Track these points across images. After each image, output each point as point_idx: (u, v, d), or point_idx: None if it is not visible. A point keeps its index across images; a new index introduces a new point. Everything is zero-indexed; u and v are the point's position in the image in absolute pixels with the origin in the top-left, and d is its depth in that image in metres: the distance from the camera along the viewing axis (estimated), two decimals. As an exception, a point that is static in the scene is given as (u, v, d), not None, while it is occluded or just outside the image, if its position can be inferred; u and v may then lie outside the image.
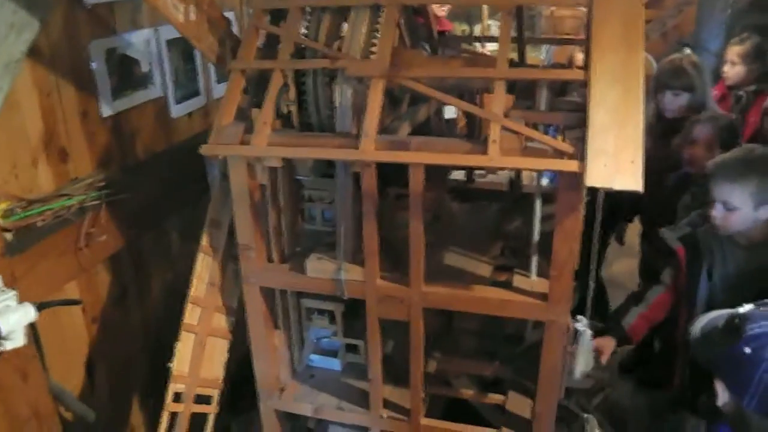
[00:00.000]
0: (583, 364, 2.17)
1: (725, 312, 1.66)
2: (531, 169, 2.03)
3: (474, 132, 2.91)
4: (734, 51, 4.13)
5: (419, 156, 1.90)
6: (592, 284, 2.05)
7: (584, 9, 1.98)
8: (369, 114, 1.95)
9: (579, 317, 2.10)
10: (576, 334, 2.10)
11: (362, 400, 2.43)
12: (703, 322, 1.72)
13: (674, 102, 3.41)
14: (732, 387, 1.60)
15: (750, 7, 7.39)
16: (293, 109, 2.18)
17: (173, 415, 2.41)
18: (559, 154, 1.79)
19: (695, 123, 3.07)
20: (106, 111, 2.65)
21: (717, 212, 2.39)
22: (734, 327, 1.58)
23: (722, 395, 1.64)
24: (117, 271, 2.78)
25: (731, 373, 1.60)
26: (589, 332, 2.12)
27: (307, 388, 2.56)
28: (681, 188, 3.12)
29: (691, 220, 2.63)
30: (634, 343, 2.91)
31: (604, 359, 2.54)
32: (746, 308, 1.62)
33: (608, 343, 2.63)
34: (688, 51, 3.78)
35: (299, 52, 2.21)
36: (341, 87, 2.07)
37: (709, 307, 2.36)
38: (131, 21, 2.76)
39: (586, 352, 2.16)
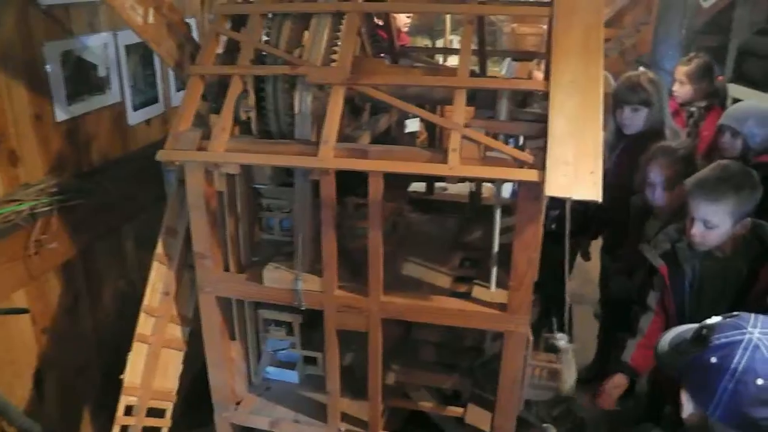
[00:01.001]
0: (569, 379, 2.17)
1: (694, 326, 1.67)
2: (491, 179, 2.03)
3: (435, 145, 2.90)
4: (682, 71, 4.25)
5: (378, 164, 1.88)
6: (568, 299, 2.06)
7: (545, 27, 1.99)
8: (329, 121, 1.93)
9: (560, 335, 2.10)
10: (560, 351, 2.10)
11: (320, 413, 2.39)
12: (671, 335, 1.72)
13: (633, 118, 3.45)
14: (697, 397, 1.60)
15: (705, 29, 7.59)
16: (252, 115, 2.15)
17: (125, 429, 2.34)
18: (520, 163, 1.79)
19: (650, 162, 3.03)
20: (61, 115, 2.59)
21: (696, 230, 2.43)
22: (701, 337, 1.58)
23: (687, 406, 1.64)
24: (68, 280, 2.70)
25: (697, 383, 1.60)
26: (571, 348, 2.12)
27: (263, 400, 2.52)
28: (645, 214, 3.16)
29: (669, 235, 2.66)
30: (642, 374, 2.90)
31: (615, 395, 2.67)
32: (714, 320, 1.63)
33: (619, 380, 2.70)
34: (643, 69, 3.85)
35: (260, 59, 2.18)
36: (301, 94, 2.05)
37: (692, 320, 2.42)
38: (88, 24, 2.71)
39: (571, 367, 2.15)
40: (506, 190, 2.74)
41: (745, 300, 2.37)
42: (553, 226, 3.54)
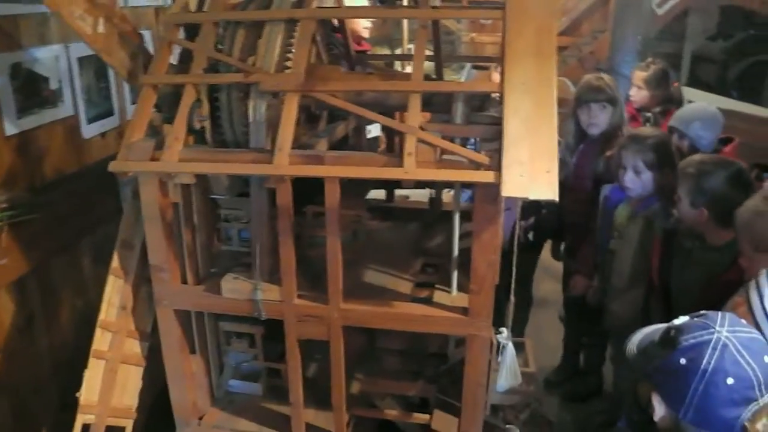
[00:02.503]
0: (507, 378, 2.16)
1: (662, 326, 1.67)
2: (447, 181, 2.03)
3: (393, 151, 2.89)
4: (639, 77, 4.31)
5: (334, 170, 1.87)
6: (512, 298, 2.05)
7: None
8: (283, 128, 1.91)
9: (501, 329, 2.09)
10: (499, 347, 2.09)
11: (284, 424, 2.34)
12: (639, 337, 1.71)
13: (600, 116, 3.47)
14: (668, 399, 1.59)
15: (660, 36, 7.75)
16: (206, 125, 2.12)
17: (82, 449, 2.27)
18: (476, 165, 1.78)
19: (622, 149, 3.09)
20: (11, 129, 2.53)
21: (676, 197, 2.68)
22: (669, 339, 1.57)
23: (658, 409, 1.62)
24: (22, 298, 2.62)
25: (667, 386, 1.59)
26: (511, 345, 2.11)
27: (226, 414, 2.47)
28: (616, 202, 3.22)
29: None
30: None
31: None
32: (681, 320, 1.62)
33: None
34: (602, 74, 3.90)
35: (214, 68, 2.16)
36: (255, 102, 2.03)
37: (681, 300, 2.62)
38: (38, 36, 2.66)
39: (511, 365, 2.15)
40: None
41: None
42: (530, 236, 3.58)
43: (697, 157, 2.78)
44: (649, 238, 2.94)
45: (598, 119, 3.49)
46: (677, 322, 1.62)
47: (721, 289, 2.34)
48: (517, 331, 2.55)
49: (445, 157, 1.86)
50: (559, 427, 3.83)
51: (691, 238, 2.69)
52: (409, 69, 3.72)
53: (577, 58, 8.38)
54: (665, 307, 2.82)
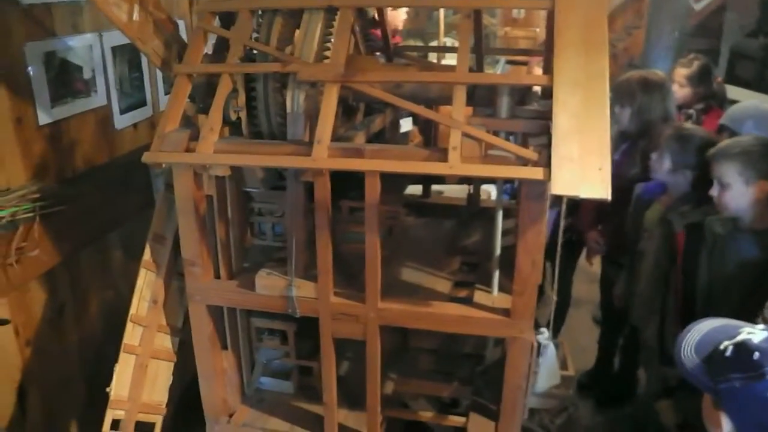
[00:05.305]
0: (546, 378, 2.09)
1: (718, 324, 1.54)
2: (493, 177, 1.95)
3: (430, 145, 2.82)
4: (681, 74, 4.21)
5: (375, 164, 1.80)
6: (554, 298, 1.98)
7: (537, 30, 1.92)
8: (322, 120, 1.84)
9: (542, 330, 2.02)
10: (539, 347, 2.02)
11: (316, 424, 2.30)
12: (695, 336, 1.58)
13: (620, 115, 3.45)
14: (742, 425, 1.48)
15: (696, 32, 7.60)
16: (242, 115, 2.07)
17: (112, 444, 2.24)
18: (523, 161, 1.71)
19: (666, 146, 3.01)
20: (44, 119, 2.50)
21: (714, 190, 2.57)
22: (752, 363, 1.42)
23: (725, 426, 1.51)
24: (52, 289, 2.60)
25: (746, 414, 1.44)
26: (552, 345, 2.04)
27: (257, 412, 2.42)
28: (647, 202, 3.13)
29: (702, 210, 2.74)
30: None
31: None
32: (760, 336, 1.47)
33: None
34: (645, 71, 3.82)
35: (250, 58, 2.10)
36: (293, 92, 1.97)
37: (710, 297, 2.53)
38: (72, 24, 2.62)
39: (551, 365, 2.08)
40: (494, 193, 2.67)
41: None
42: (574, 238, 3.54)
43: (733, 139, 2.73)
44: (671, 238, 2.86)
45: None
46: (755, 338, 1.46)
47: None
48: (553, 333, 2.48)
49: (490, 152, 1.78)
50: (591, 430, 3.75)
51: (725, 224, 2.59)
52: (444, 62, 3.66)
53: (611, 55, 8.26)
54: (685, 306, 2.72)
